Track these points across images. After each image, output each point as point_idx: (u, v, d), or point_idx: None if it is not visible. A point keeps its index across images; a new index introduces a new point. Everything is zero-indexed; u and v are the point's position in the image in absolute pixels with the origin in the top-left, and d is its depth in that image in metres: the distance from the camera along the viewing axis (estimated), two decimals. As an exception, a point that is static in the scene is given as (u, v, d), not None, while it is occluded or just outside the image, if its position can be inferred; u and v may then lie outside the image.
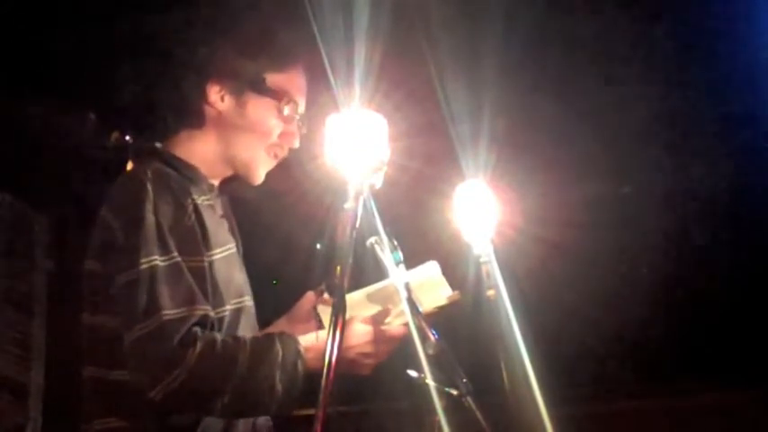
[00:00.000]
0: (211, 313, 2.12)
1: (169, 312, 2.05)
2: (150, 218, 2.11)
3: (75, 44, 3.44)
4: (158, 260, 2.09)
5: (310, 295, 2.46)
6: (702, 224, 4.19)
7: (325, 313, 2.34)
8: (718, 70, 3.92)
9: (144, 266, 2.07)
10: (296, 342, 2.14)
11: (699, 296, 4.23)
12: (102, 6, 3.37)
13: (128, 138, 3.11)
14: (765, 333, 4.01)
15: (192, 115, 2.29)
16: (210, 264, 2.18)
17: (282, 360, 2.10)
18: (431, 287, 2.33)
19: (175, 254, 2.10)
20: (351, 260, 1.94)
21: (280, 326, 2.43)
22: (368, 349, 2.19)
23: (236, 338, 2.14)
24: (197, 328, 2.06)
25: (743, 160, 4.08)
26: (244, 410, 2.16)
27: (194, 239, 2.16)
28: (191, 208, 2.18)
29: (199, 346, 2.03)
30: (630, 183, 4.23)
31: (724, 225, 4.20)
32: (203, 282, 2.13)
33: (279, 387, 2.08)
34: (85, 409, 2.20)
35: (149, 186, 2.13)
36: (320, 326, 2.36)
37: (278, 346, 2.11)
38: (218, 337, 2.09)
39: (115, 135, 3.23)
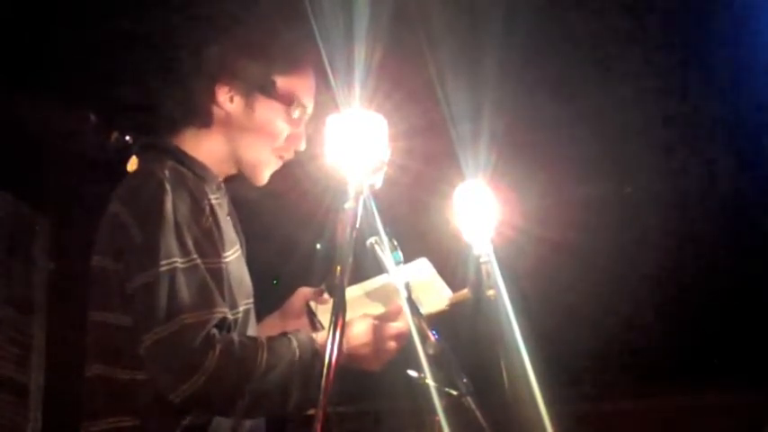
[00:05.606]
0: (229, 315, 2.11)
1: (189, 315, 2.02)
2: (170, 218, 2.08)
3: (76, 43, 3.44)
4: (178, 262, 2.06)
5: (303, 291, 2.46)
6: (703, 224, 4.19)
7: (319, 310, 2.34)
8: (718, 70, 3.92)
9: (164, 268, 2.04)
10: (312, 340, 2.14)
11: (699, 296, 4.23)
12: (103, 5, 3.37)
13: (128, 138, 3.11)
14: (766, 334, 4.01)
15: (200, 115, 2.28)
16: (226, 265, 2.17)
17: (300, 359, 2.09)
18: (430, 288, 2.33)
19: (195, 255, 2.09)
20: (351, 260, 1.93)
21: (272, 322, 2.42)
22: (380, 345, 2.18)
23: (254, 339, 2.13)
24: (215, 330, 2.04)
25: (743, 161, 4.09)
26: (261, 410, 2.15)
27: (212, 241, 2.15)
28: (208, 209, 2.17)
29: (218, 348, 2.01)
30: (631, 183, 4.23)
31: (724, 225, 4.20)
32: (221, 283, 2.12)
33: (296, 386, 2.07)
34: (90, 407, 2.17)
35: (168, 185, 2.10)
36: (312, 321, 2.36)
37: (294, 345, 2.10)
38: (236, 338, 2.08)
39: (115, 135, 3.23)
